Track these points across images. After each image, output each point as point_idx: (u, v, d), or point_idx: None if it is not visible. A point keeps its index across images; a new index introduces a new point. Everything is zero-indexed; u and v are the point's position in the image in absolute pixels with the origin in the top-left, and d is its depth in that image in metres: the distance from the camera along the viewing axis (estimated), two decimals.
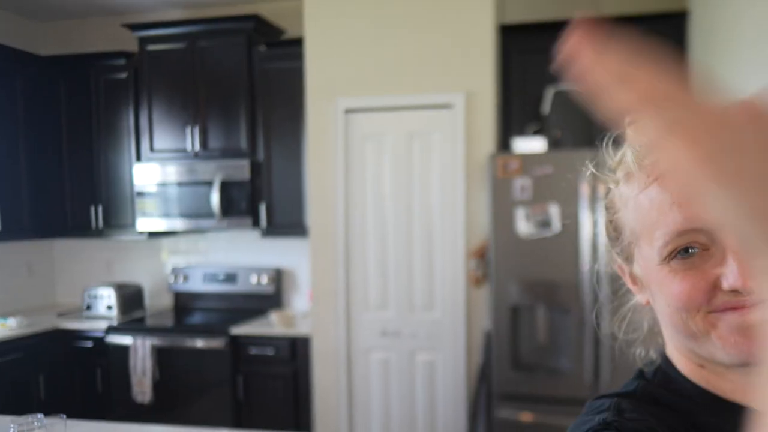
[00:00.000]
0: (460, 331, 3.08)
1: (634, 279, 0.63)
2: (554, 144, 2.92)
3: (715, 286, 0.52)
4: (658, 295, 0.57)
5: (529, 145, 2.88)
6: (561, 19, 3.27)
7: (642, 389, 0.62)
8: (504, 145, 3.19)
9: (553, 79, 3.10)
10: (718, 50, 2.67)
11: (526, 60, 3.28)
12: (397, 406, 3.20)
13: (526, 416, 2.72)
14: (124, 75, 3.82)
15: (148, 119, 3.75)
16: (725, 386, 0.58)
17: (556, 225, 2.69)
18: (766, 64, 2.08)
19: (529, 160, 2.75)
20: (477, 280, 3.03)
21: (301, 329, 3.37)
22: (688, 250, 0.53)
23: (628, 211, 0.60)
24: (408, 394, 3.18)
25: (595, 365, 2.66)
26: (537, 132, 3.09)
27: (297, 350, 3.36)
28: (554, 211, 2.70)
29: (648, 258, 0.57)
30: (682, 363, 0.61)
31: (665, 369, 0.63)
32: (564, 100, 3.00)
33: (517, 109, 3.29)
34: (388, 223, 3.17)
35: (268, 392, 3.40)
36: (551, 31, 3.41)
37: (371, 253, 3.20)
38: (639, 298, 0.63)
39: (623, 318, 0.70)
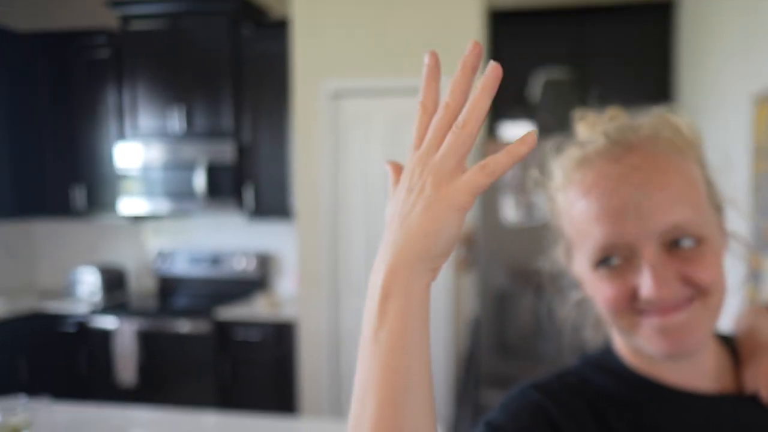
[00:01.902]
0: (447, 317, 3.09)
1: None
2: (542, 130, 2.92)
3: (635, 293, 0.59)
4: (593, 295, 0.65)
5: (517, 131, 2.87)
6: (550, 6, 3.26)
7: (573, 375, 0.69)
8: (492, 131, 3.18)
9: (542, 65, 3.10)
10: (705, 41, 2.68)
11: (514, 46, 3.27)
12: None
13: None
14: (106, 54, 3.74)
15: (132, 99, 3.68)
16: (653, 369, 0.65)
17: (544, 212, 2.70)
18: (754, 55, 2.09)
19: None
20: (464, 267, 3.04)
21: (287, 314, 3.36)
22: (611, 259, 0.60)
23: (563, 218, 0.66)
24: None
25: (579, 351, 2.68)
26: (525, 118, 3.09)
27: (283, 335, 3.35)
28: (542, 199, 2.70)
29: (581, 263, 0.65)
30: (620, 348, 0.69)
31: (606, 352, 0.70)
32: (553, 87, 3.00)
33: (506, 95, 3.27)
34: (375, 206, 3.16)
35: (253, 377, 3.40)
36: (541, 17, 3.42)
37: (358, 236, 3.19)
38: (586, 291, 0.69)
39: (573, 306, 0.77)
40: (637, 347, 0.63)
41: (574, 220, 0.63)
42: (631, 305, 0.60)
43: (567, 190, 0.65)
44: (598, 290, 0.62)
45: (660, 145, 0.61)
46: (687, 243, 0.58)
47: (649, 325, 0.59)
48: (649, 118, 0.64)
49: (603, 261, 0.60)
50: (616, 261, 0.60)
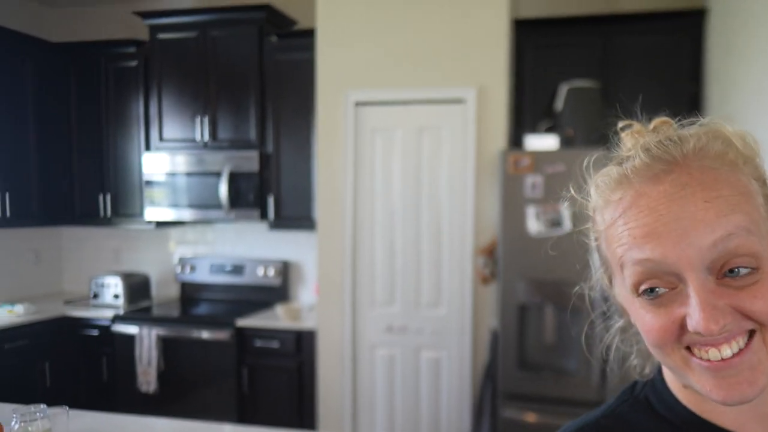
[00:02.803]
0: (467, 329, 3.05)
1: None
2: (567, 142, 2.87)
3: (682, 325, 0.52)
4: (636, 324, 0.59)
5: (541, 142, 2.83)
6: (576, 15, 3.22)
7: (608, 415, 0.64)
8: (516, 141, 3.15)
9: (567, 75, 3.06)
10: (735, 50, 2.61)
11: (539, 55, 3.24)
12: (401, 403, 3.18)
13: (530, 416, 2.70)
14: (134, 63, 3.81)
15: (158, 108, 3.74)
16: (706, 407, 0.59)
17: (567, 224, 2.65)
18: None
19: (540, 157, 2.71)
20: (485, 278, 3.00)
21: (306, 323, 3.36)
22: (655, 290, 0.54)
23: (602, 240, 0.61)
24: (412, 392, 3.16)
25: (602, 367, 2.62)
26: (549, 129, 3.04)
27: (302, 344, 3.35)
28: (565, 210, 2.66)
29: (621, 288, 0.59)
30: (670, 380, 0.63)
31: (656, 384, 0.64)
32: (577, 97, 2.95)
33: (530, 105, 3.25)
34: (396, 218, 3.15)
35: (272, 385, 3.40)
36: (566, 26, 3.38)
37: (378, 248, 3.17)
38: (629, 318, 0.63)
39: (615, 335, 0.71)
40: (689, 384, 0.56)
41: (612, 243, 0.58)
42: (678, 338, 0.53)
43: (604, 210, 0.59)
44: (640, 320, 0.56)
45: (708, 158, 0.54)
46: (741, 271, 0.51)
47: (702, 371, 0.53)
48: (696, 129, 0.58)
49: (645, 290, 0.54)
50: (659, 290, 0.53)
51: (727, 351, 0.51)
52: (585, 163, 0.65)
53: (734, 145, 0.56)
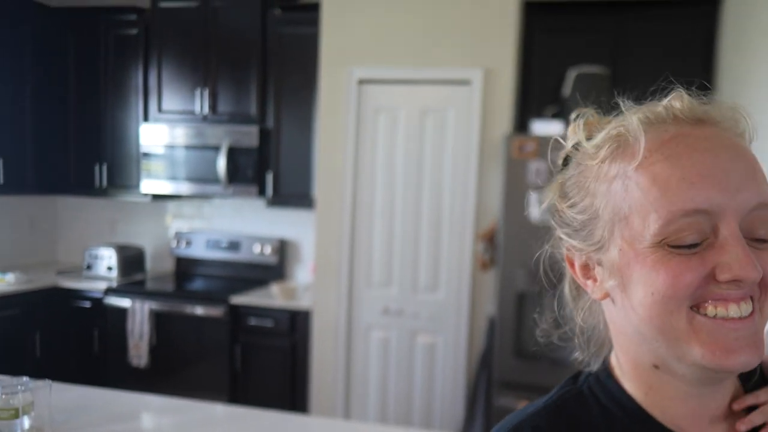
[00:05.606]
0: (464, 314, 3.01)
1: (586, 271, 0.59)
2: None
3: (709, 276, 0.49)
4: (639, 283, 0.52)
5: (547, 127, 2.77)
6: None
7: (550, 405, 0.60)
8: (521, 126, 3.09)
9: (576, 60, 2.99)
10: (749, 41, 2.54)
11: (548, 39, 3.16)
12: (395, 386, 3.16)
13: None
14: (134, 31, 3.72)
15: (158, 79, 3.66)
16: (653, 400, 0.56)
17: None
18: None
19: (546, 143, 2.65)
20: (484, 264, 2.96)
21: (302, 302, 3.32)
22: (687, 237, 0.50)
23: (611, 191, 0.54)
24: (406, 376, 3.14)
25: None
26: (556, 115, 2.98)
27: (297, 323, 3.31)
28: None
29: (636, 240, 0.52)
30: (622, 373, 0.59)
31: (600, 376, 0.61)
32: (586, 83, 2.88)
33: (537, 89, 3.18)
34: (396, 199, 3.09)
35: (265, 364, 3.37)
36: (577, 10, 3.28)
37: (377, 229, 3.12)
38: (593, 292, 0.58)
39: (584, 313, 0.67)
40: (680, 354, 0.51)
41: (641, 185, 0.52)
42: (694, 292, 0.50)
43: (623, 155, 0.54)
44: (659, 270, 0.50)
45: (728, 124, 0.55)
46: (764, 241, 0.51)
47: (712, 327, 0.50)
48: (720, 103, 0.58)
49: (676, 237, 0.50)
50: (691, 238, 0.50)
51: (745, 307, 0.50)
52: (576, 119, 0.62)
53: (749, 126, 0.57)
